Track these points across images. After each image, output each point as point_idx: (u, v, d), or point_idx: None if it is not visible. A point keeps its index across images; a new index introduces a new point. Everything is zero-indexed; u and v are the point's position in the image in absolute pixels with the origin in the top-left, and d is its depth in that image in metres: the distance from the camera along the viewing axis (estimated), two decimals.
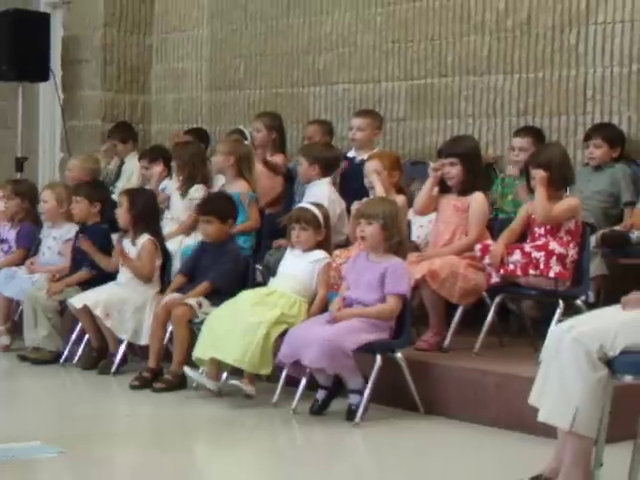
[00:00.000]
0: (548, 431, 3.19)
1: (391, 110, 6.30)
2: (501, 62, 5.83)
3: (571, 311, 4.30)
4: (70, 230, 5.74)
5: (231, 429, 4.26)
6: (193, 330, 4.80)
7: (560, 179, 4.50)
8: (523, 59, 5.74)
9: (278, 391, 4.48)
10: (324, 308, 4.53)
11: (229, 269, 4.91)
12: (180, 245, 5.52)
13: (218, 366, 4.57)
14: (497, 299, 4.58)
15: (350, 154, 5.82)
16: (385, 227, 4.32)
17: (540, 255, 4.42)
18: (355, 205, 4.86)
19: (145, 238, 5.24)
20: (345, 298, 4.39)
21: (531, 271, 4.43)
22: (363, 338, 4.21)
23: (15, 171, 7.70)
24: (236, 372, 4.56)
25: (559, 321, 4.08)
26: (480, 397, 4.25)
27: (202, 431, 4.29)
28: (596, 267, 4.70)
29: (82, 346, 5.39)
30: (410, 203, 5.04)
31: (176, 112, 7.64)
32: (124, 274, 5.30)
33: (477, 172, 4.81)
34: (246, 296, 4.66)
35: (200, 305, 4.80)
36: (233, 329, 4.47)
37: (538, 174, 4.45)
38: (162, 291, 5.18)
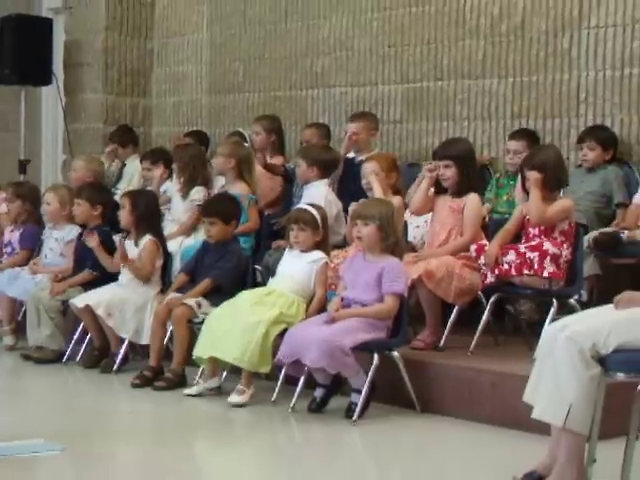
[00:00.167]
0: (542, 428, 3.20)
1: (387, 113, 6.33)
2: (495, 66, 5.86)
3: (565, 310, 4.33)
4: (71, 231, 5.77)
5: (230, 427, 4.29)
6: (193, 330, 4.83)
7: (554, 181, 4.53)
8: (517, 63, 5.77)
9: (277, 389, 4.51)
10: (322, 308, 4.56)
11: (231, 268, 4.94)
12: (180, 246, 5.56)
13: (217, 364, 4.61)
14: (492, 299, 4.61)
15: (349, 155, 5.85)
16: (381, 228, 4.35)
17: (534, 255, 4.45)
18: (352, 206, 4.88)
19: (147, 239, 5.27)
20: (343, 298, 4.42)
21: (525, 271, 4.46)
22: (361, 337, 4.23)
23: (18, 173, 7.72)
24: (235, 370, 4.59)
25: (553, 320, 4.07)
26: (475, 395, 4.27)
27: (202, 428, 4.30)
28: (589, 267, 4.74)
29: (84, 345, 5.41)
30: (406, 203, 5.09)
31: (176, 115, 7.67)
32: (125, 275, 5.32)
33: (471, 174, 4.84)
34: (245, 296, 4.69)
35: (199, 305, 4.83)
36: (232, 328, 4.49)
37: (532, 176, 4.48)
38: (163, 291, 5.21)
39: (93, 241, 5.40)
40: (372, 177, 5.04)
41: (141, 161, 6.58)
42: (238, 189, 5.58)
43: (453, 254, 4.71)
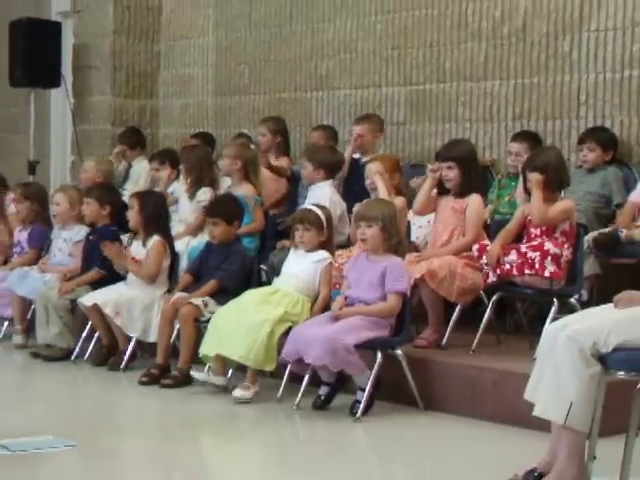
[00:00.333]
0: (543, 425, 3.22)
1: (391, 114, 6.35)
2: (497, 68, 5.88)
3: (565, 309, 4.36)
4: (80, 232, 5.80)
5: (236, 423, 4.31)
6: (199, 328, 4.86)
7: (556, 182, 4.55)
8: (519, 65, 5.79)
9: (282, 387, 4.54)
10: (327, 307, 4.59)
11: (236, 269, 4.98)
12: (187, 246, 5.59)
13: (223, 362, 4.64)
14: (494, 298, 4.63)
15: (355, 155, 5.88)
16: (384, 228, 4.38)
17: (535, 255, 4.48)
18: (356, 207, 4.90)
19: (155, 239, 5.30)
20: (347, 297, 4.45)
21: (527, 271, 4.49)
22: (364, 335, 4.26)
23: (27, 174, 7.77)
24: (241, 368, 4.62)
25: (554, 319, 4.10)
26: (477, 393, 4.30)
27: (208, 425, 4.32)
28: (589, 267, 4.76)
29: (92, 343, 5.43)
30: (410, 201, 5.10)
31: (183, 116, 7.70)
32: (133, 275, 5.34)
33: (474, 175, 4.87)
34: (251, 295, 4.73)
35: (206, 305, 4.86)
36: (238, 327, 4.52)
37: (534, 177, 4.51)
38: (170, 291, 5.24)
39: (112, 251, 5.27)
40: (377, 177, 5.06)
41: (150, 161, 6.61)
42: (244, 190, 5.61)
43: (455, 254, 4.74)
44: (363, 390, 4.30)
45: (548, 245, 4.50)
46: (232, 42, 7.37)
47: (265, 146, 6.32)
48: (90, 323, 5.44)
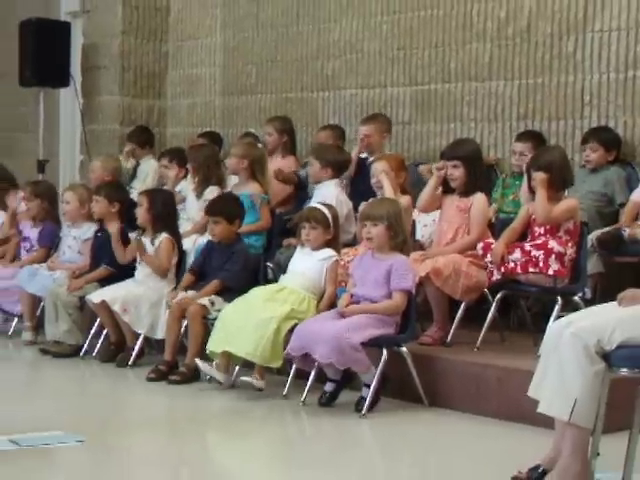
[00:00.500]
0: (547, 422, 3.23)
1: (396, 114, 6.37)
2: (502, 68, 5.90)
3: (569, 307, 4.38)
4: (89, 230, 5.83)
5: (243, 420, 4.32)
6: (207, 325, 4.88)
7: (560, 181, 4.57)
8: (523, 65, 5.81)
9: (288, 383, 4.57)
10: (333, 304, 4.62)
11: (238, 269, 5.00)
12: (194, 244, 5.60)
13: (229, 359, 4.67)
14: (498, 296, 4.65)
15: (362, 154, 5.90)
16: (390, 227, 4.41)
17: (539, 253, 4.50)
18: (362, 206, 4.93)
19: (163, 237, 5.34)
20: (352, 294, 4.47)
21: (531, 269, 4.51)
22: (370, 333, 4.29)
23: (37, 173, 7.80)
24: (247, 365, 4.66)
25: (557, 317, 4.13)
26: (482, 390, 4.32)
27: (215, 421, 4.36)
28: (593, 265, 4.78)
29: (101, 340, 5.46)
30: (415, 199, 5.09)
31: (190, 116, 7.74)
32: (141, 271, 5.39)
33: (478, 174, 4.89)
34: (257, 293, 4.76)
35: (213, 303, 4.89)
36: (245, 324, 4.55)
37: (538, 176, 4.52)
38: (175, 288, 5.25)
39: (114, 227, 5.45)
40: (382, 176, 5.07)
41: (159, 159, 6.64)
42: (251, 189, 5.64)
43: (460, 252, 4.76)
44: (369, 387, 4.33)
45: (552, 243, 4.52)
46: (239, 42, 7.41)
47: (272, 145, 6.36)
48: (98, 320, 5.48)
